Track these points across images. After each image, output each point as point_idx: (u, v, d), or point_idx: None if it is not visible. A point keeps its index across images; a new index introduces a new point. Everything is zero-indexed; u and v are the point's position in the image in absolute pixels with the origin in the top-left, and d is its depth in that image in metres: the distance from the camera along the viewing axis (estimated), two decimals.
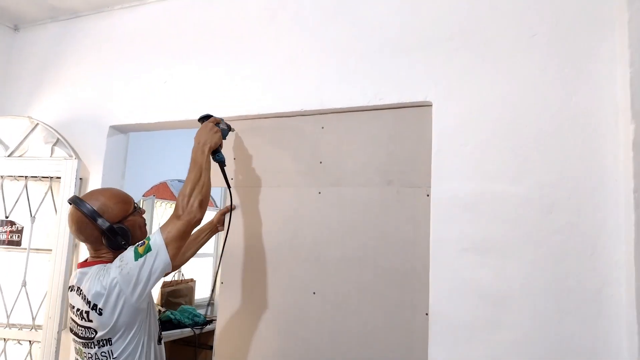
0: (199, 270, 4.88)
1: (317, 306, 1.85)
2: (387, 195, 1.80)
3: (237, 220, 2.06)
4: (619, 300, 1.42)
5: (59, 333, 2.17)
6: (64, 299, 2.22)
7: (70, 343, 2.27)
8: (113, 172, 2.45)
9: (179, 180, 4.67)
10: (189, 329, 3.76)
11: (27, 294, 2.28)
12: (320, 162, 1.94)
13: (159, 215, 4.35)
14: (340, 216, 1.87)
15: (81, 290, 1.48)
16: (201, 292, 4.88)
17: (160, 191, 4.38)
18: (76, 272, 1.56)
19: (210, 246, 5.08)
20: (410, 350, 1.68)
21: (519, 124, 1.61)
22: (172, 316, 3.77)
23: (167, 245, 1.46)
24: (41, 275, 2.31)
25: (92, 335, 1.46)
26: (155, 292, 4.06)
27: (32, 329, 2.25)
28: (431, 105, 1.75)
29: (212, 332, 3.90)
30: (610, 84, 1.52)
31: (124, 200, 1.58)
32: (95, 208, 1.49)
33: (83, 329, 1.48)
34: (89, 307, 1.44)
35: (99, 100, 2.43)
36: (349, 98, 1.88)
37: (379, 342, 1.73)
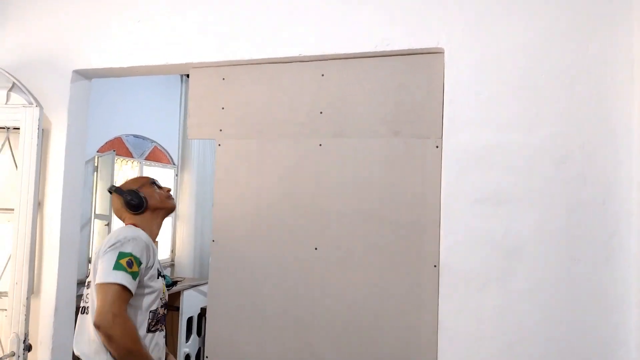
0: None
1: (320, 261, 1.79)
2: (394, 146, 1.74)
3: (229, 174, 1.93)
4: (628, 248, 1.46)
5: (27, 299, 1.97)
6: (31, 262, 2.01)
7: (39, 310, 2.10)
8: (78, 123, 2.20)
9: (135, 136, 4.36)
10: None
11: None
12: (321, 112, 1.83)
13: (119, 175, 4.05)
14: (342, 169, 1.79)
15: None
16: (160, 254, 4.69)
17: (115, 147, 4.06)
18: None
19: None
20: (419, 302, 1.67)
21: (533, 74, 1.58)
22: None
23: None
24: (1, 237, 2.07)
25: None
26: None
27: None
28: (443, 53, 1.67)
29: (177, 294, 3.80)
30: (625, 34, 1.51)
31: (137, 179, 1.79)
32: (119, 186, 1.74)
33: None
34: None
35: (60, 41, 2.13)
36: (353, 43, 1.76)
37: (385, 295, 1.71)
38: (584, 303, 1.49)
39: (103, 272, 1.47)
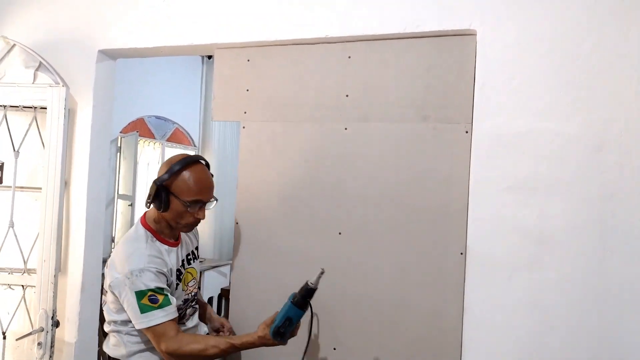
0: None
1: (343, 247, 1.78)
2: (422, 131, 1.70)
3: (253, 157, 1.92)
4: None
5: (55, 277, 2.01)
6: (59, 240, 2.05)
7: (66, 287, 2.14)
8: (104, 103, 2.21)
9: (157, 117, 4.38)
10: None
11: (15, 235, 2.08)
12: (347, 96, 1.79)
13: (141, 156, 4.08)
14: (368, 153, 1.76)
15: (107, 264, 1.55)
16: None
17: (138, 128, 4.10)
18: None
19: None
20: (443, 289, 1.65)
21: (570, 59, 1.52)
22: None
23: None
24: (28, 216, 2.11)
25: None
26: None
27: (24, 272, 2.08)
28: (475, 35, 1.62)
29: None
30: None
31: (196, 189, 1.48)
32: (173, 166, 1.47)
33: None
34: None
35: (86, 21, 2.13)
36: (382, 24, 1.71)
37: (409, 281, 1.69)
38: (615, 297, 1.44)
39: (134, 318, 1.40)
